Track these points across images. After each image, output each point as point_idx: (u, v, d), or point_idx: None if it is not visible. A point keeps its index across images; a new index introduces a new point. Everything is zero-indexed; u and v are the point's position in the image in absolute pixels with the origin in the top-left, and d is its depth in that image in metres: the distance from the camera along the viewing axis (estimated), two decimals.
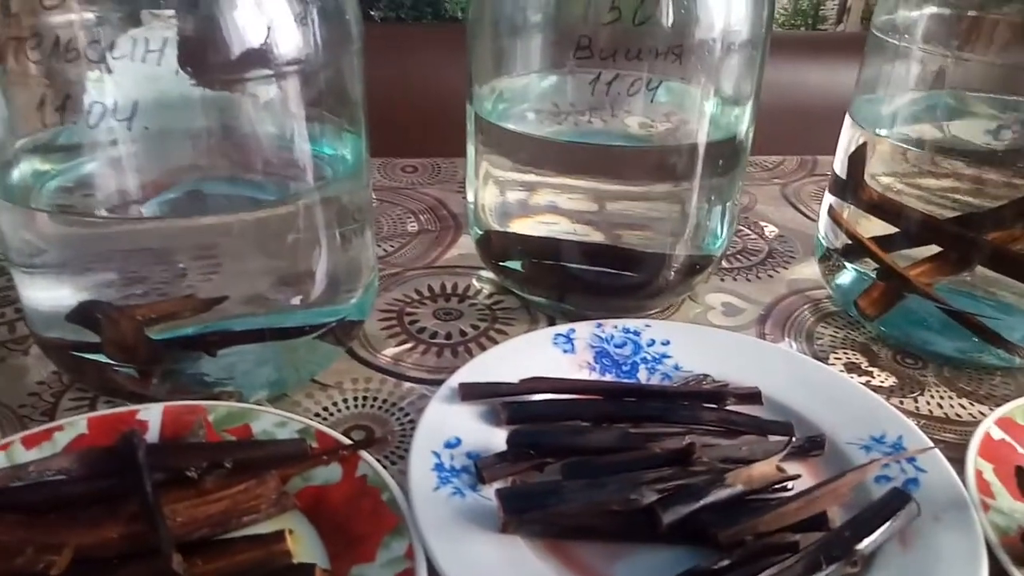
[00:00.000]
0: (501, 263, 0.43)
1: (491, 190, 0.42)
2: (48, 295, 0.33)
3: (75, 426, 0.30)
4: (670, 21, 0.34)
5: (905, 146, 0.39)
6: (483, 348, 0.39)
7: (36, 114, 0.31)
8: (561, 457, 0.29)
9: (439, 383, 0.34)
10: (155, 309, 0.33)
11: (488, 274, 0.45)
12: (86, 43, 0.28)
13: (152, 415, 0.31)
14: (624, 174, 0.39)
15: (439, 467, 0.28)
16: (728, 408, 0.32)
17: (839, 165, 0.42)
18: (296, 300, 0.34)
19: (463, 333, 0.40)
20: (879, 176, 0.40)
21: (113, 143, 0.32)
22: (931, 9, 0.37)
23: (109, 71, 0.29)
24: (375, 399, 0.35)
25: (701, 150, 0.38)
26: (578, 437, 0.29)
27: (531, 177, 0.40)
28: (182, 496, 0.26)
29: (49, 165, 0.32)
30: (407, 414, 0.34)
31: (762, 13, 0.36)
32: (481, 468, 0.28)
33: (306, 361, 0.36)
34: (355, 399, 0.35)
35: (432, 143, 0.66)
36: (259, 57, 0.29)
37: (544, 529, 0.26)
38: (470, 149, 0.42)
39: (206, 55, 0.29)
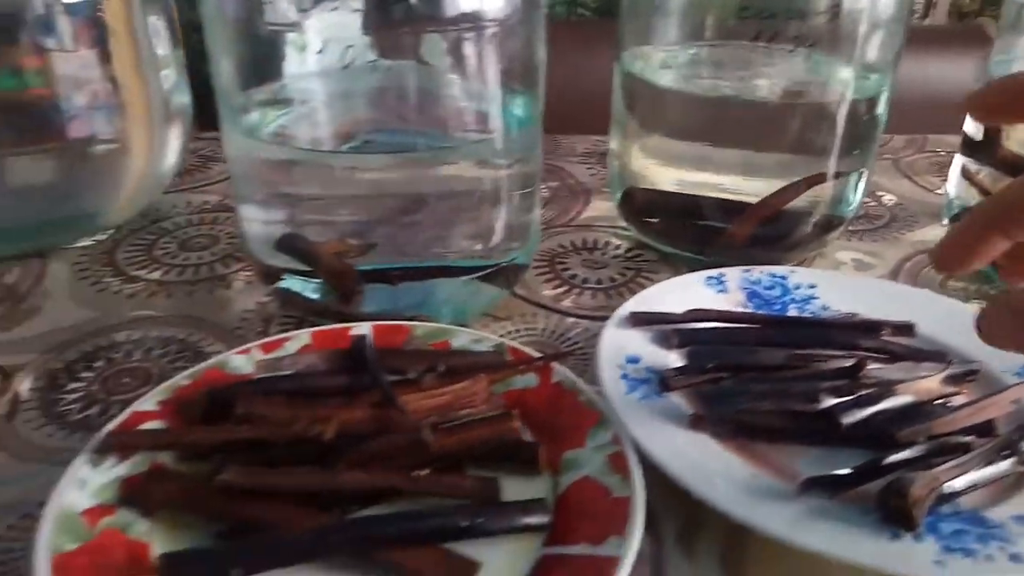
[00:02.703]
0: (643, 219, 0.46)
1: (635, 149, 0.45)
2: (264, 226, 0.38)
3: (300, 338, 0.34)
4: None
5: None
6: (632, 292, 0.42)
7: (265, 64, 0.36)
8: (734, 373, 0.32)
9: (598, 319, 0.38)
10: (330, 247, 0.37)
11: (627, 231, 0.49)
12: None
13: (363, 332, 0.35)
14: (768, 134, 0.42)
15: (625, 376, 0.32)
16: (883, 338, 0.34)
17: (972, 127, 0.44)
18: (478, 246, 0.38)
19: (612, 280, 0.43)
20: (1013, 136, 0.42)
21: (322, 94, 0.37)
22: None
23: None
24: (543, 330, 0.39)
25: (844, 115, 0.40)
26: (750, 355, 0.32)
27: (675, 135, 0.43)
28: (406, 392, 0.30)
29: (272, 110, 0.37)
30: (576, 342, 0.38)
31: None
32: (665, 378, 0.31)
33: (479, 297, 0.39)
34: (526, 329, 0.39)
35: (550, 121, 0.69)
36: (467, 12, 0.33)
37: (730, 428, 0.29)
38: (616, 108, 0.46)
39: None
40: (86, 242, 0.46)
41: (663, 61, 0.44)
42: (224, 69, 0.36)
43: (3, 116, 0.37)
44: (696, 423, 0.29)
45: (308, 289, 0.38)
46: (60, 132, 0.38)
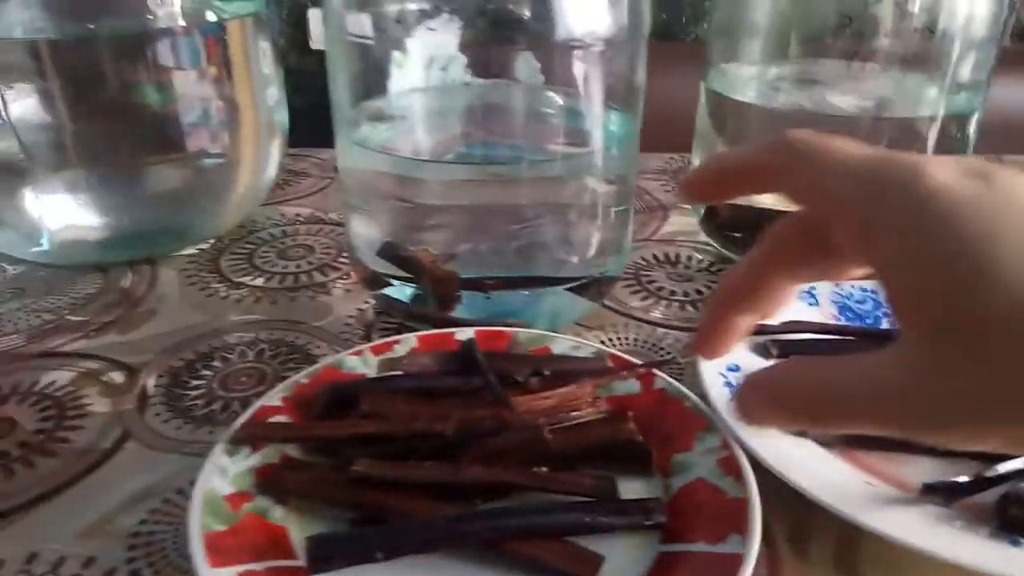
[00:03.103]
0: (727, 233, 0.47)
1: None
2: (371, 234, 0.40)
3: (408, 342, 0.35)
4: (927, 4, 0.38)
5: None
6: None
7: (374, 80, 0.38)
8: None
9: (688, 329, 0.39)
10: (421, 256, 0.39)
11: (708, 247, 0.49)
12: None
13: (466, 336, 0.36)
14: None
15: (729, 385, 0.32)
16: None
17: None
18: (573, 258, 0.39)
19: (698, 292, 0.44)
20: None
21: (425, 109, 0.38)
22: None
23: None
24: (635, 340, 0.40)
25: (935, 134, 0.41)
26: None
27: None
28: (514, 395, 0.32)
29: (380, 123, 0.39)
30: (668, 352, 0.39)
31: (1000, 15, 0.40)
32: None
33: (572, 308, 0.40)
34: (617, 338, 0.40)
35: None
36: (577, 33, 0.34)
37: (837, 437, 0.30)
38: (701, 126, 0.47)
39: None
40: (191, 250, 0.48)
41: (751, 78, 0.45)
42: (339, 84, 0.38)
43: (144, 130, 0.40)
44: (805, 432, 0.30)
45: (408, 295, 0.39)
46: (181, 145, 0.41)
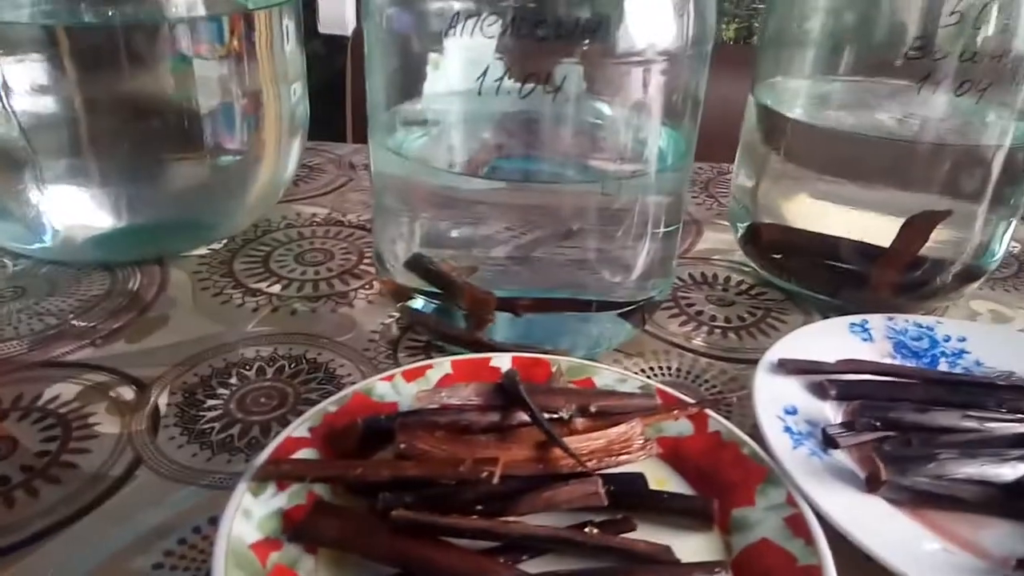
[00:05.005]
0: (770, 255, 0.45)
1: (767, 182, 0.44)
2: (400, 244, 0.37)
3: (442, 366, 0.33)
4: (1001, 28, 0.35)
5: None
6: (764, 334, 0.40)
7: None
8: (903, 432, 0.30)
9: (733, 360, 0.37)
10: (449, 268, 0.36)
11: (746, 267, 0.47)
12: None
13: (503, 362, 0.34)
14: (913, 176, 0.40)
15: (788, 430, 0.30)
16: None
17: None
18: (618, 279, 0.37)
19: (741, 319, 0.42)
20: None
21: (462, 116, 0.36)
22: None
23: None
24: (677, 370, 0.37)
25: (1000, 162, 0.39)
26: (922, 415, 0.31)
27: (816, 171, 0.42)
28: (559, 433, 0.29)
29: (416, 129, 0.36)
30: (713, 385, 0.36)
31: None
32: (831, 435, 0.30)
33: (614, 333, 0.38)
34: (659, 367, 0.37)
35: None
36: (639, 45, 0.32)
37: (909, 494, 0.28)
38: (747, 140, 0.44)
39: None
40: (202, 251, 0.46)
41: (802, 94, 0.43)
42: (376, 84, 0.35)
43: (160, 122, 0.37)
44: (873, 486, 0.27)
45: (433, 310, 0.37)
46: (199, 139, 0.38)
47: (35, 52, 0.36)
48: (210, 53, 0.37)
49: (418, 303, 0.38)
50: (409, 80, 0.35)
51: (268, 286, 0.42)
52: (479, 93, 0.32)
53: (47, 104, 0.38)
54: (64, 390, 0.33)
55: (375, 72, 0.35)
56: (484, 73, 0.31)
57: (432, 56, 0.35)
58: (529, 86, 0.34)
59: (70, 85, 0.37)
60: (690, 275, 0.46)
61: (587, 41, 0.32)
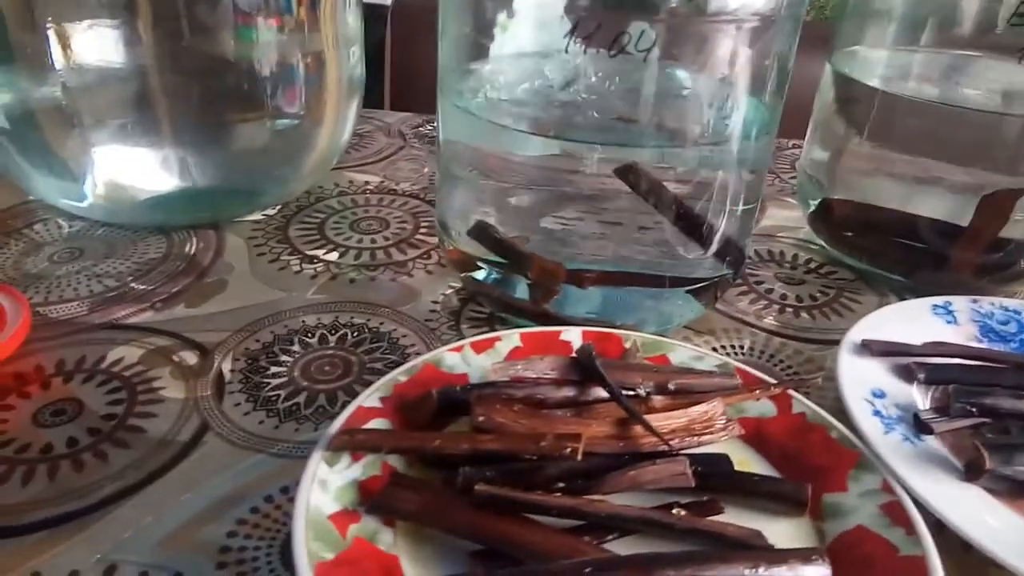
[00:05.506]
0: (843, 233, 0.43)
1: (845, 157, 0.42)
2: (464, 207, 0.36)
3: (511, 339, 0.32)
4: None
5: None
6: (837, 314, 0.39)
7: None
8: (998, 419, 0.29)
9: (808, 341, 0.35)
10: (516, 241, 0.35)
11: (812, 244, 0.46)
12: None
13: (573, 336, 0.33)
14: (1004, 153, 0.38)
15: (878, 413, 0.29)
16: None
17: None
18: (693, 256, 0.35)
19: (813, 298, 0.40)
20: None
21: (536, 79, 0.34)
22: None
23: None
24: (751, 349, 0.36)
25: None
26: (1019, 402, 0.29)
27: (896, 146, 0.40)
28: (638, 410, 0.28)
29: (489, 88, 0.35)
30: (789, 366, 0.35)
31: None
32: (924, 420, 0.28)
33: (685, 310, 0.37)
34: (731, 346, 0.36)
35: None
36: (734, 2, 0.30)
37: (1009, 483, 0.26)
38: (821, 113, 0.42)
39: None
40: (256, 216, 0.45)
41: (881, 63, 0.40)
42: (447, 44, 0.34)
43: (219, 81, 0.36)
44: (973, 475, 0.26)
45: (494, 280, 0.36)
46: (259, 101, 0.37)
47: (107, 15, 0.35)
48: (276, 10, 0.36)
49: (481, 273, 0.36)
50: (481, 40, 0.34)
51: (325, 253, 0.42)
52: (566, 51, 0.30)
53: (112, 64, 0.37)
54: (127, 353, 0.33)
55: (447, 29, 0.34)
56: (572, 30, 0.30)
57: (503, 17, 0.33)
58: (599, 52, 0.33)
59: (138, 46, 0.36)
60: (756, 252, 0.45)
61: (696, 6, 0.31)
